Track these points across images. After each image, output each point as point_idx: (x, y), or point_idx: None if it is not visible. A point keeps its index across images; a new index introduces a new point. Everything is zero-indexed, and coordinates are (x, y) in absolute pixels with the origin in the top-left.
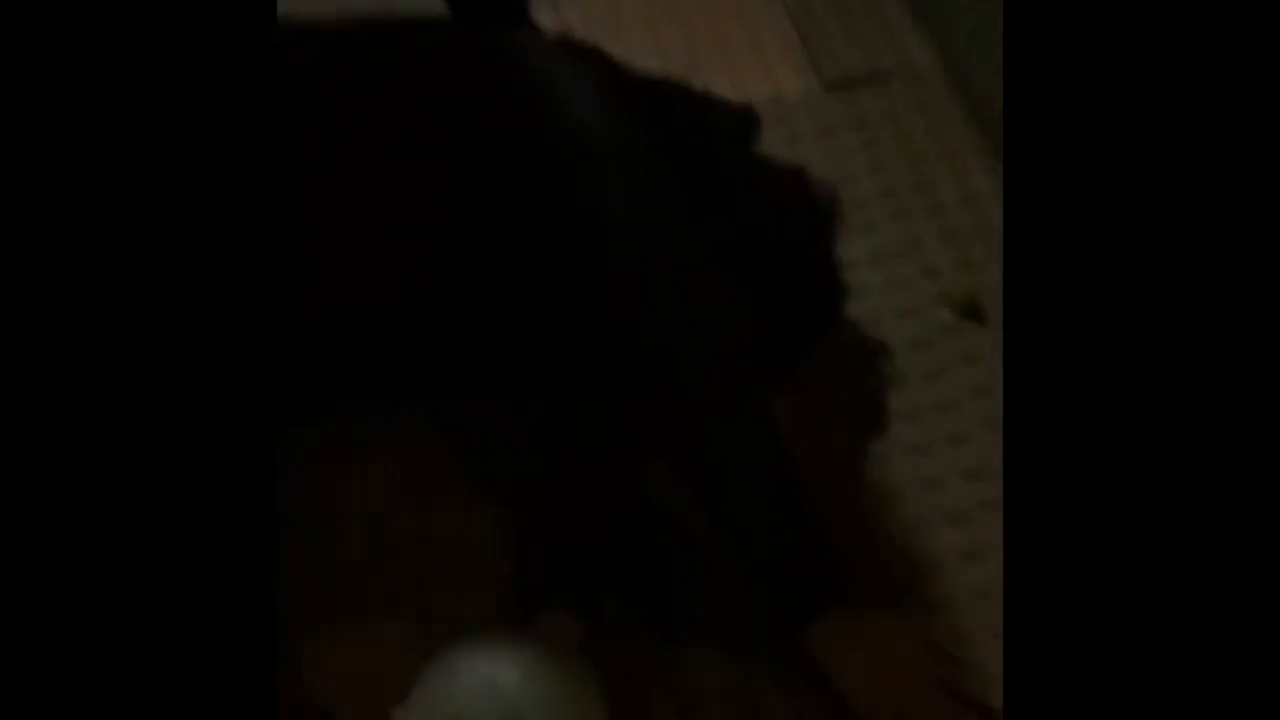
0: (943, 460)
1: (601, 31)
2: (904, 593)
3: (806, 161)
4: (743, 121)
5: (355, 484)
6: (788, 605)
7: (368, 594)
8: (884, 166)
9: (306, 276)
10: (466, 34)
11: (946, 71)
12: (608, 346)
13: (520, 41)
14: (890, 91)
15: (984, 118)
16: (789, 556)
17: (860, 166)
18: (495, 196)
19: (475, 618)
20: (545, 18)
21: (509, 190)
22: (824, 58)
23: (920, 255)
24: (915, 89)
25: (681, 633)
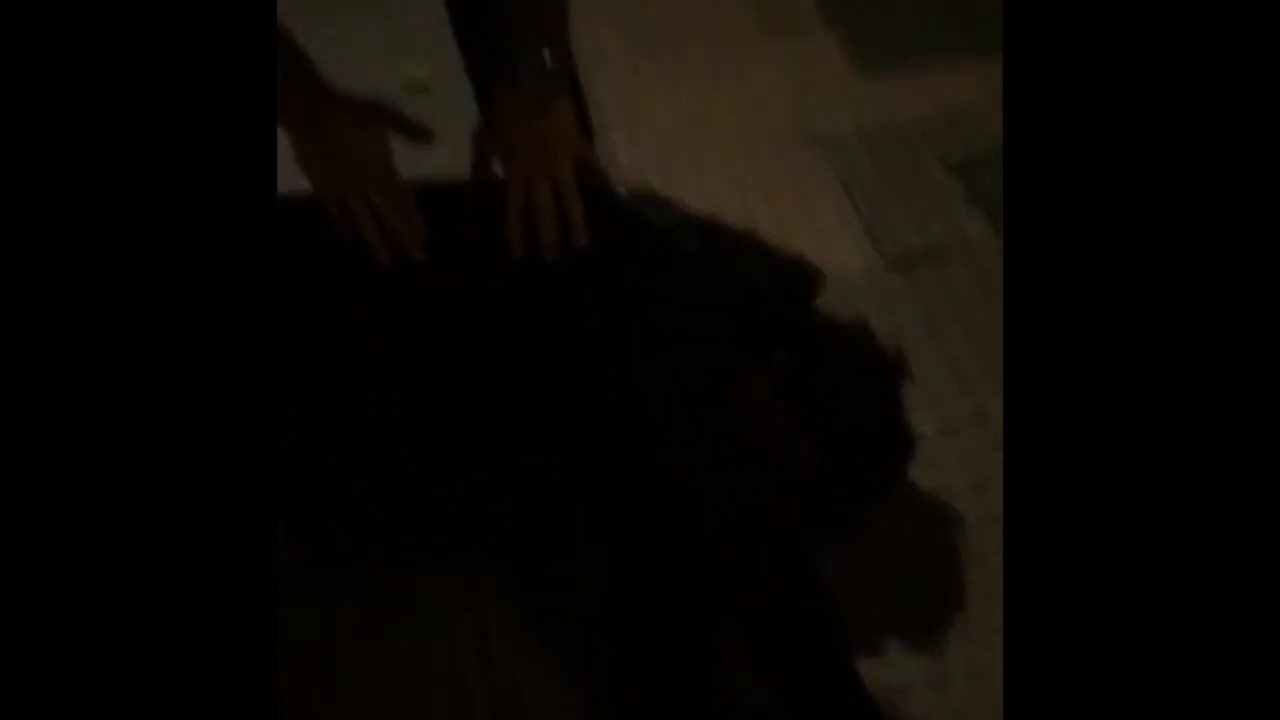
0: None
1: None
2: None
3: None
4: (802, 274)
5: (437, 643)
6: None
7: None
8: (946, 339)
9: (372, 431)
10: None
11: (1001, 245)
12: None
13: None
14: (947, 265)
15: None
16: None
17: (924, 340)
18: (551, 336)
19: None
20: None
21: (567, 333)
22: (883, 236)
23: (989, 427)
24: (971, 263)
25: None
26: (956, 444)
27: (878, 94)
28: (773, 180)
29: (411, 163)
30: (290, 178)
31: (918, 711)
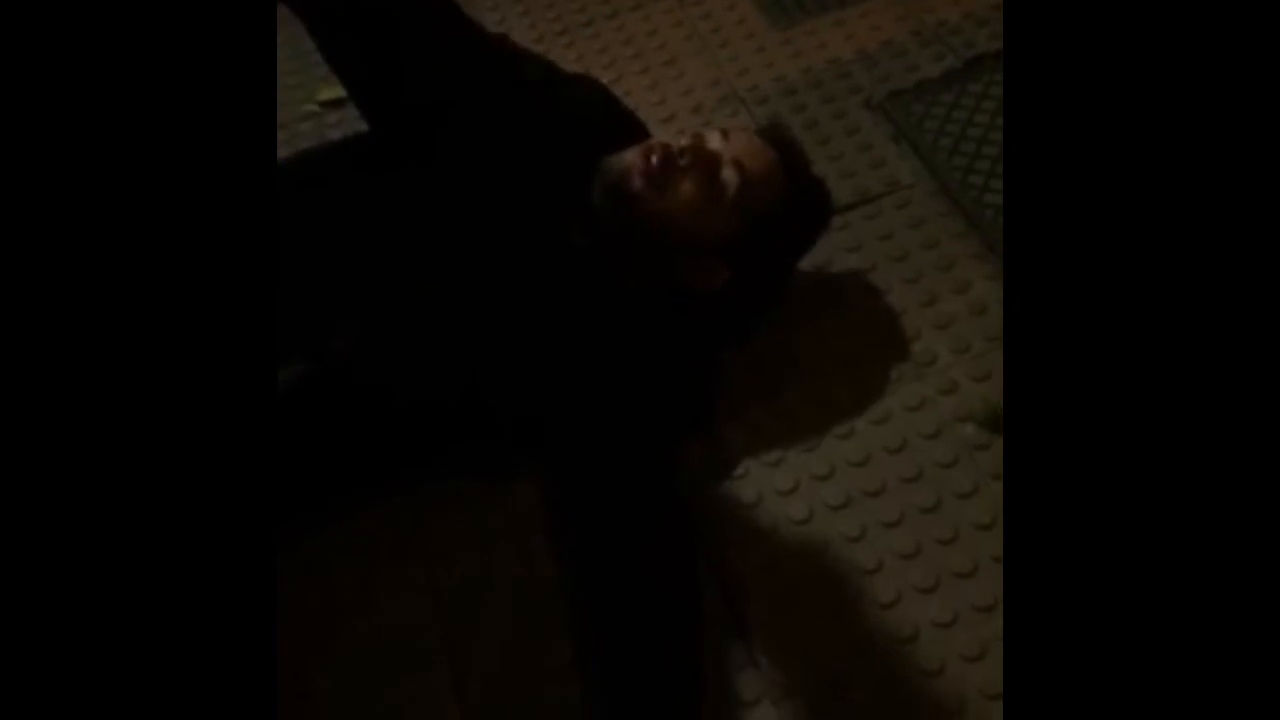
0: (995, 582)
1: None
2: None
3: (811, 292)
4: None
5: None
6: None
7: None
8: (889, 288)
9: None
10: None
11: (934, 186)
12: None
13: None
14: (882, 211)
15: (977, 225)
16: None
17: (864, 290)
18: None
19: None
20: None
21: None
22: None
23: (936, 373)
24: (906, 207)
25: None
26: (905, 393)
27: (793, 44)
28: None
29: None
30: None
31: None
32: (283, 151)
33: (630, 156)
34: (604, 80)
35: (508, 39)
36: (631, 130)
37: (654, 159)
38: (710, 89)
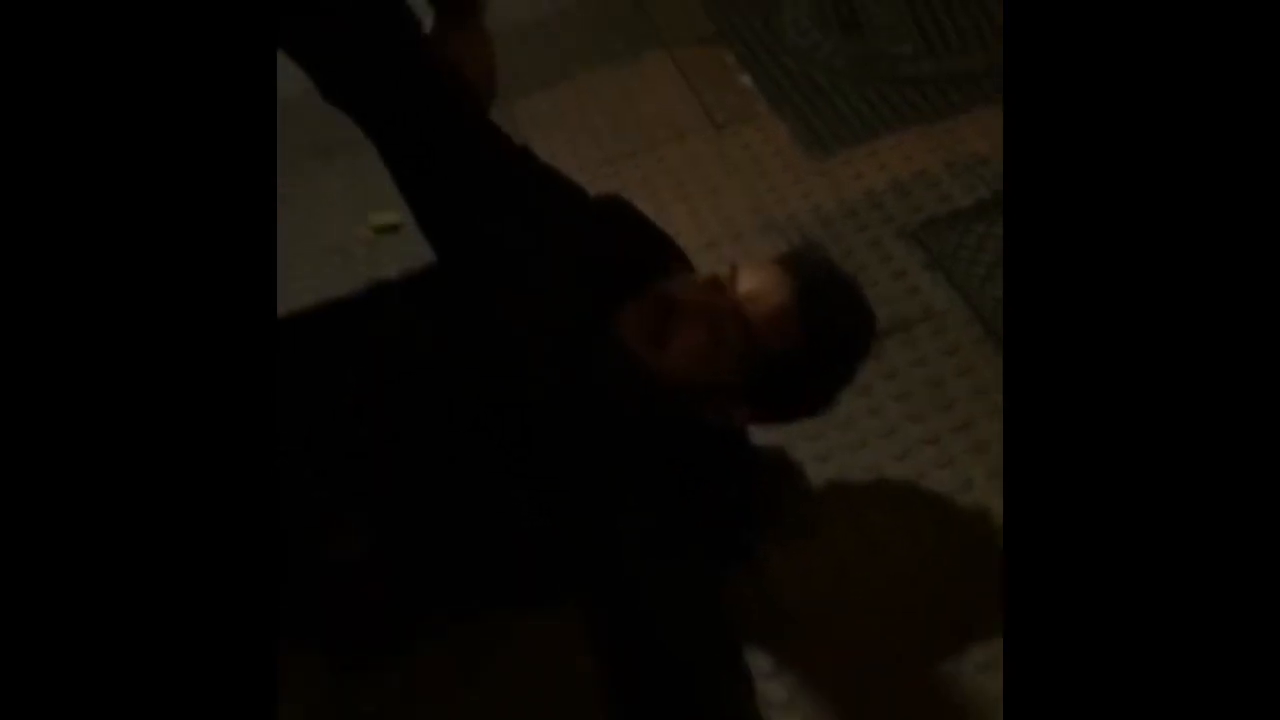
0: None
1: None
2: None
3: (847, 419)
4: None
5: None
6: None
7: None
8: (923, 415)
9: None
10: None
11: (968, 314)
12: None
13: None
14: (916, 339)
15: None
16: None
17: (900, 417)
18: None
19: None
20: None
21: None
22: None
23: (972, 497)
24: (940, 334)
25: None
26: (940, 516)
27: (829, 174)
28: None
29: None
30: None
31: None
32: (335, 275)
33: (626, 316)
34: (646, 208)
35: (530, 153)
36: (661, 249)
37: (647, 318)
38: (750, 216)
